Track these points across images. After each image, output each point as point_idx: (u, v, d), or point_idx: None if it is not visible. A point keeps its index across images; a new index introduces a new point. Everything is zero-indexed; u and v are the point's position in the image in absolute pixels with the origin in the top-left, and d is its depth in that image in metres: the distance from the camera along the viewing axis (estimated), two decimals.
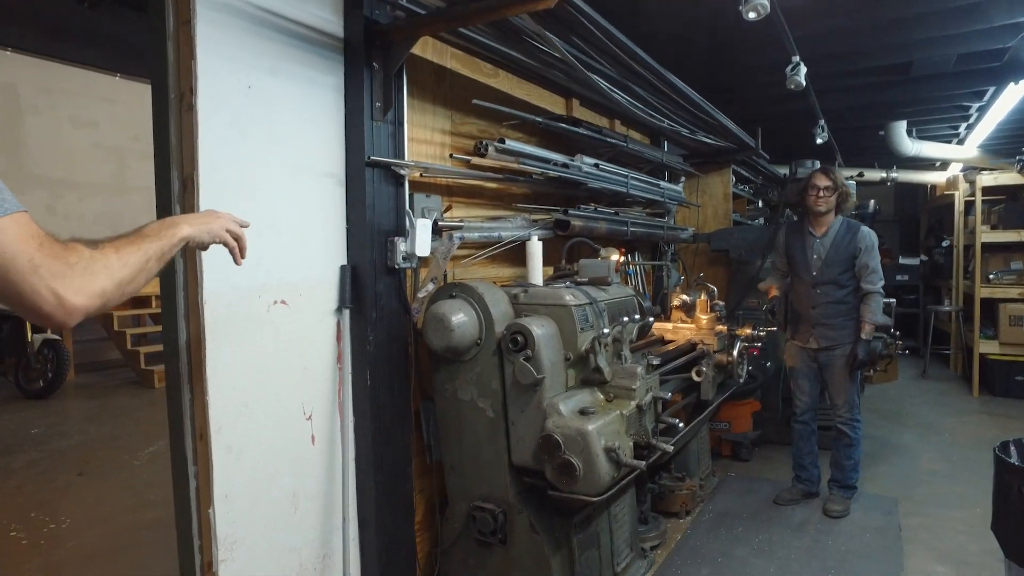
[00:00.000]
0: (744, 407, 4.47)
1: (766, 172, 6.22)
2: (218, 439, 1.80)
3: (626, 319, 2.47)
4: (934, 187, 8.58)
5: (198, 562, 1.85)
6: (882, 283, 3.51)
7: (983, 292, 6.32)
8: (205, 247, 1.38)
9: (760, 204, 6.72)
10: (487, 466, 2.33)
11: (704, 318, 3.58)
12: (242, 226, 1.44)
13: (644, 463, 2.17)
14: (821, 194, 3.52)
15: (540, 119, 2.93)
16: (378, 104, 2.22)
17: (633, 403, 2.29)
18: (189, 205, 1.79)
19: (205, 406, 1.78)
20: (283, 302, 2.01)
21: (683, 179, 5.03)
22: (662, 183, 4.29)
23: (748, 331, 3.56)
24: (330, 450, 2.19)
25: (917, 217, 9.76)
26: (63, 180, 7.96)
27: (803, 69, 3.54)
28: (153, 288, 4.53)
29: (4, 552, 3.21)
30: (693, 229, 5.08)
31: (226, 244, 1.40)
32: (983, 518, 3.51)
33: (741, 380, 3.52)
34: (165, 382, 1.91)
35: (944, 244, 7.96)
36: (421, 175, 2.45)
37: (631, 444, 2.22)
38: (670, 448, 2.36)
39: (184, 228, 1.26)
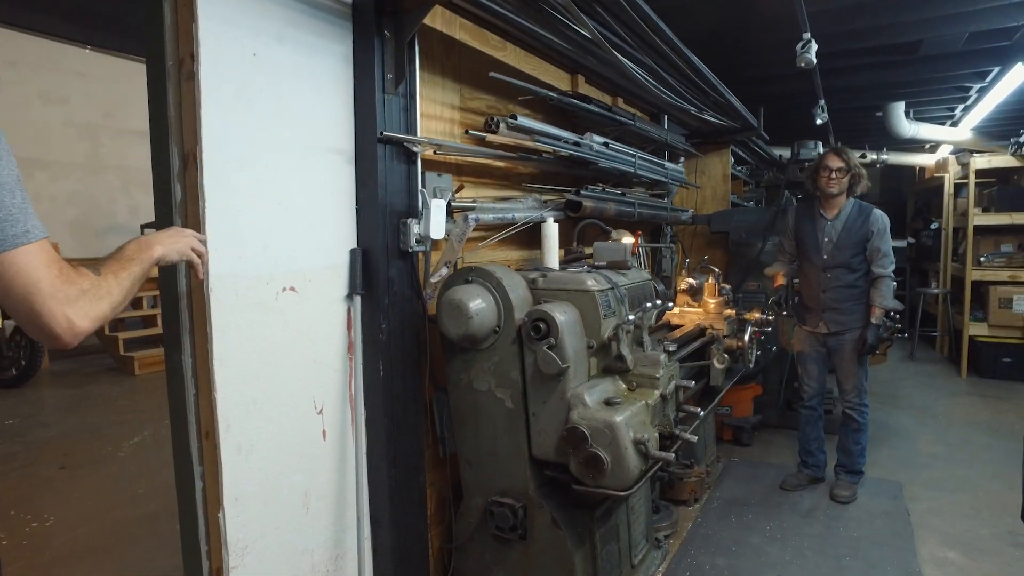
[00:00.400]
0: (746, 392, 4.43)
1: (762, 153, 6.15)
2: (227, 438, 1.67)
3: (648, 304, 2.37)
4: (922, 169, 8.58)
5: (206, 568, 1.73)
6: (893, 267, 3.46)
7: (973, 275, 6.34)
8: (173, 264, 1.50)
9: (755, 186, 6.65)
10: (505, 459, 2.22)
11: (712, 302, 3.47)
12: (201, 241, 1.53)
13: (672, 454, 2.08)
14: (833, 175, 3.44)
15: (553, 95, 2.79)
16: (390, 76, 2.06)
17: (657, 392, 2.19)
18: (191, 183, 1.63)
19: (212, 402, 1.64)
20: (292, 289, 1.87)
21: (682, 159, 4.93)
22: (666, 163, 4.19)
23: (757, 315, 3.49)
24: (341, 445, 2.07)
25: (903, 199, 9.80)
26: (32, 159, 7.61)
27: (814, 47, 3.43)
28: None
29: None
30: (692, 211, 4.99)
31: (191, 262, 1.48)
32: (988, 502, 3.52)
33: (751, 365, 3.45)
34: (167, 377, 1.76)
35: (933, 227, 7.98)
36: (435, 152, 2.30)
37: (657, 435, 2.13)
38: (694, 438, 2.28)
39: (158, 249, 1.35)
